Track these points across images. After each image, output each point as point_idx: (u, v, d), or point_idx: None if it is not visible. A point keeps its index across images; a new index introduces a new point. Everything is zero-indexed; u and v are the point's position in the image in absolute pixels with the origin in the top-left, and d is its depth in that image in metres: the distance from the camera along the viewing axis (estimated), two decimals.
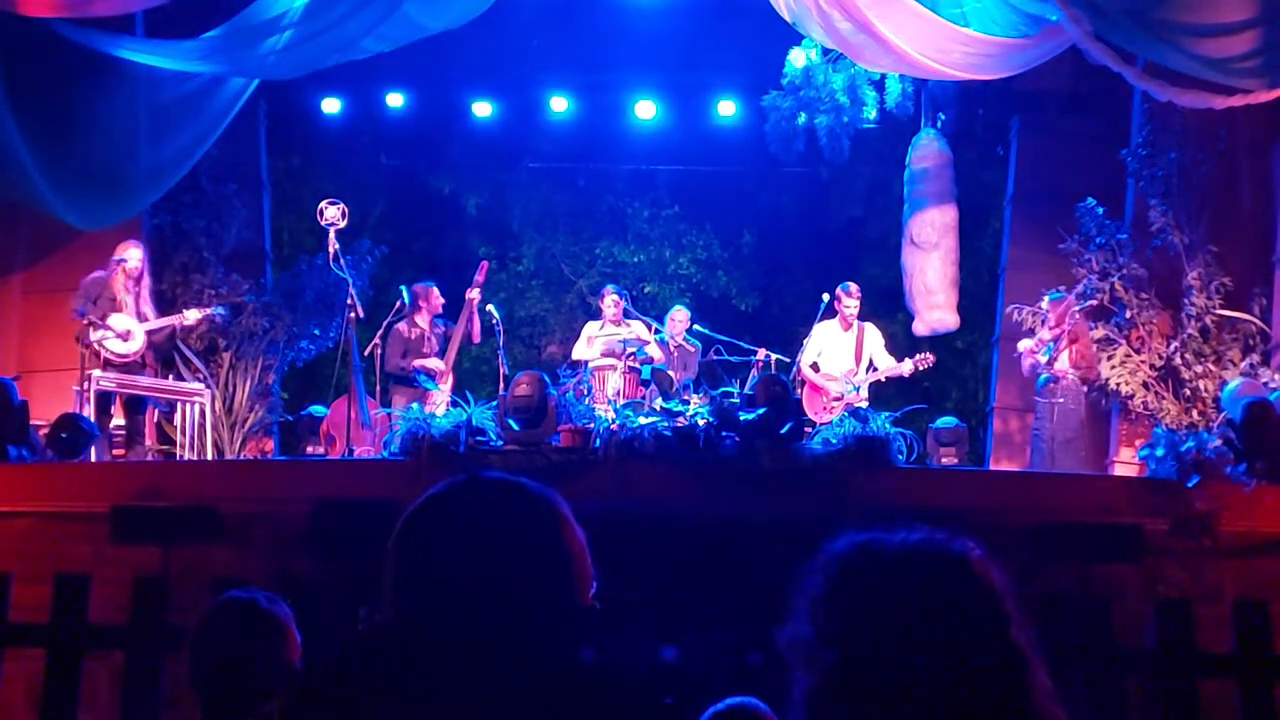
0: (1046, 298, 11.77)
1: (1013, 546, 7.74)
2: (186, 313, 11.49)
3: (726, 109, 15.21)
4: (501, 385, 10.47)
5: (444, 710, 1.92)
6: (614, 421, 8.82)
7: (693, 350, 12.27)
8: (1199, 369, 11.64)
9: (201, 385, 11.59)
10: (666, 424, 8.77)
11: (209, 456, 11.24)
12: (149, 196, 11.92)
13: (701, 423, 8.75)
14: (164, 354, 11.70)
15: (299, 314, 12.99)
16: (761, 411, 8.68)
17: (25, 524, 8.33)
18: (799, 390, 11.54)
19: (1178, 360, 11.72)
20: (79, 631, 7.94)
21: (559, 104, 15.20)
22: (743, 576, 7.60)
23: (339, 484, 8.79)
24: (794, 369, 11.87)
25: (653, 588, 7.54)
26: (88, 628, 7.96)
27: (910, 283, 13.88)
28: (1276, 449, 8.79)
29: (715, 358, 11.92)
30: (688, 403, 9.38)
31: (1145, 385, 11.86)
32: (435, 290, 12.06)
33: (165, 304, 11.88)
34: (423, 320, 11.88)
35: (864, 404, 11.26)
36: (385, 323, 11.65)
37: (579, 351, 12.11)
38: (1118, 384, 11.91)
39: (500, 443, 8.74)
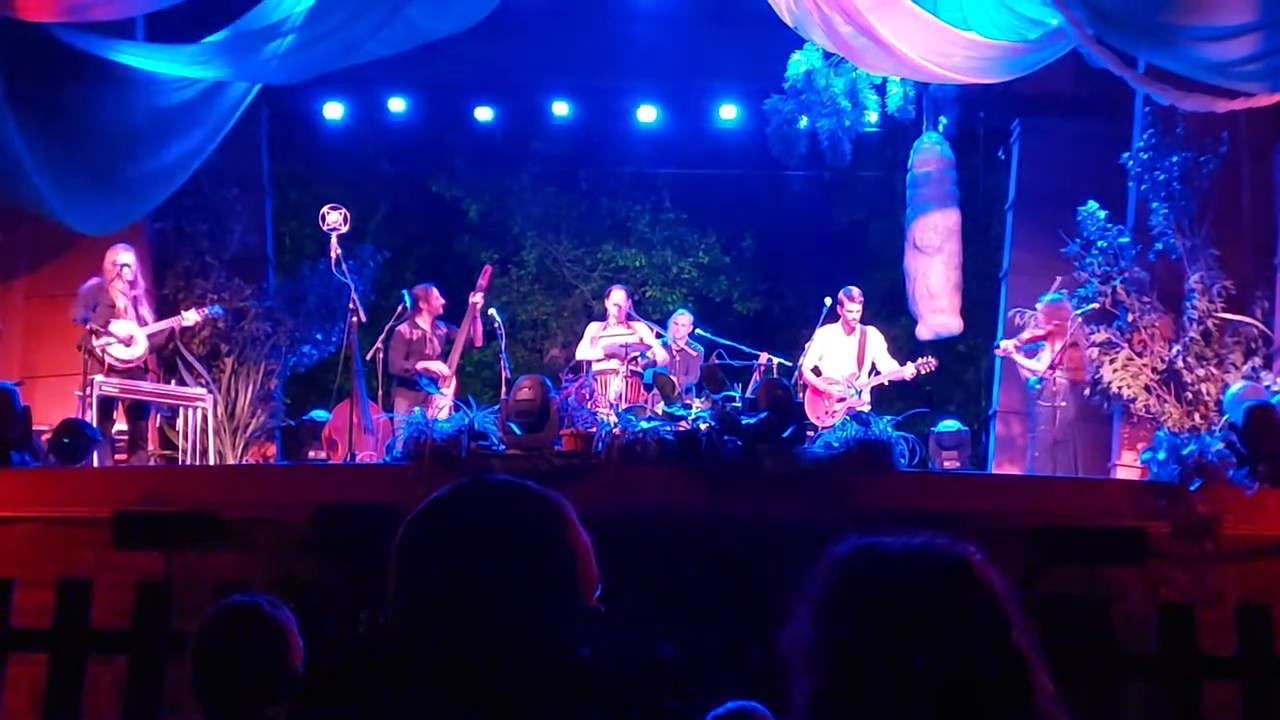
0: (1042, 298, 11.81)
1: (1015, 550, 7.75)
2: (185, 314, 11.49)
3: (728, 113, 15.21)
4: (503, 389, 10.46)
5: (449, 713, 1.92)
6: (616, 426, 8.82)
7: (695, 354, 12.26)
8: (1201, 372, 11.63)
9: (203, 390, 11.59)
10: (668, 428, 8.77)
11: (211, 461, 11.24)
12: (151, 201, 11.92)
13: (703, 427, 8.75)
14: (165, 358, 11.69)
15: (301, 319, 12.99)
16: (763, 415, 8.68)
17: (28, 529, 8.34)
18: (801, 394, 11.53)
19: (1180, 364, 11.72)
20: (82, 636, 7.96)
21: (560, 108, 15.20)
22: (745, 580, 7.60)
23: (341, 489, 8.79)
24: (796, 373, 11.86)
25: (655, 591, 7.54)
26: (90, 633, 7.98)
27: (913, 287, 13.87)
28: (1278, 452, 8.79)
29: (717, 362, 11.91)
30: (689, 407, 9.38)
31: (1147, 389, 11.85)
32: (435, 291, 12.07)
33: (167, 308, 11.89)
34: (424, 322, 11.88)
35: (866, 408, 11.25)
36: (387, 327, 11.65)
37: (582, 351, 12.11)
38: (1119, 387, 11.90)
39: (502, 447, 8.74)
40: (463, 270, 14.99)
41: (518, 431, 8.71)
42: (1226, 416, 10.30)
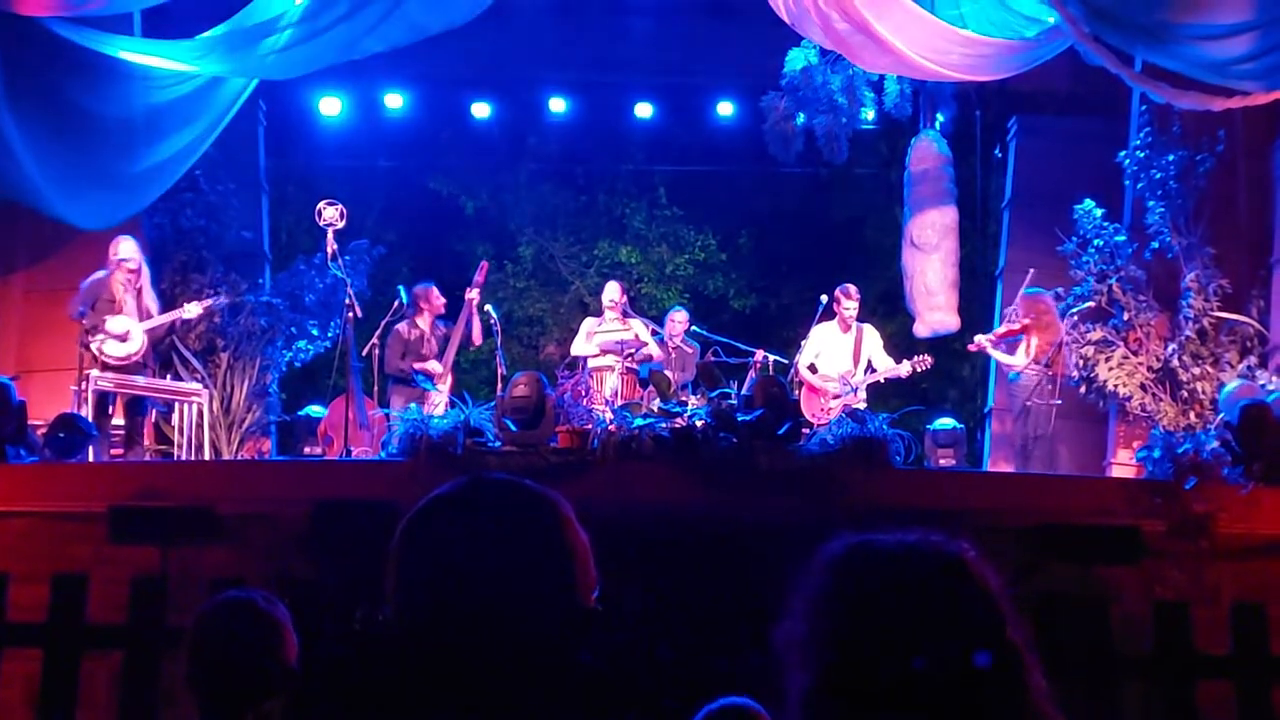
0: (1021, 293, 11.85)
1: (1010, 548, 7.76)
2: (187, 306, 11.47)
3: (725, 109, 15.22)
4: (499, 386, 10.46)
5: (445, 711, 1.92)
6: (612, 422, 8.81)
7: (691, 351, 12.26)
8: (1196, 371, 11.64)
9: (199, 385, 11.58)
10: (664, 425, 8.77)
11: (206, 457, 11.23)
12: (148, 196, 11.91)
13: (699, 424, 8.75)
14: (162, 353, 11.68)
15: (297, 314, 12.98)
16: (759, 413, 8.68)
17: (23, 524, 8.33)
18: (796, 391, 11.54)
19: (1175, 362, 11.73)
20: (77, 631, 7.96)
21: (557, 104, 15.21)
22: (740, 577, 7.60)
23: (336, 485, 8.78)
24: (791, 370, 11.87)
25: (650, 588, 7.55)
26: (86, 628, 7.97)
27: (910, 284, 13.89)
28: (1274, 451, 8.80)
29: (713, 359, 11.92)
30: (685, 404, 9.38)
31: (1143, 387, 11.86)
32: (435, 290, 12.04)
33: (164, 304, 11.87)
34: (423, 321, 11.86)
35: (862, 405, 11.26)
36: (383, 323, 11.64)
37: (578, 347, 12.10)
38: (1115, 385, 11.91)
39: (498, 443, 8.73)
40: (459, 266, 15.00)
41: (513, 428, 8.71)
42: (1222, 415, 10.31)
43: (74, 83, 10.82)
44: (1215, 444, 8.79)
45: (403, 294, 11.84)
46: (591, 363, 11.64)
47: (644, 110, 15.24)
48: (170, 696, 7.61)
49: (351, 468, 9.70)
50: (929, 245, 13.71)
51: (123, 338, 10.81)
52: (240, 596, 3.57)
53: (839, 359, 11.96)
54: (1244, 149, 11.91)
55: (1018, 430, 11.35)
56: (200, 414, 11.27)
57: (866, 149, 14.94)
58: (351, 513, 7.94)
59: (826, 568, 1.92)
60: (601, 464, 8.54)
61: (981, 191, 14.78)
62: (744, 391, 9.37)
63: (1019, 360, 11.46)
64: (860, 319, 12.14)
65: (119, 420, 11.11)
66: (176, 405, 11.33)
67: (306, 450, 11.69)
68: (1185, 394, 11.68)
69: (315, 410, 12.00)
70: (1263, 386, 10.65)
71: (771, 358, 11.87)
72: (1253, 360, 11.51)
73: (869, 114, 13.65)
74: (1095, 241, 12.20)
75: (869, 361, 12.01)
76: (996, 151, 14.61)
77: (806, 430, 9.60)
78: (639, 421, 8.81)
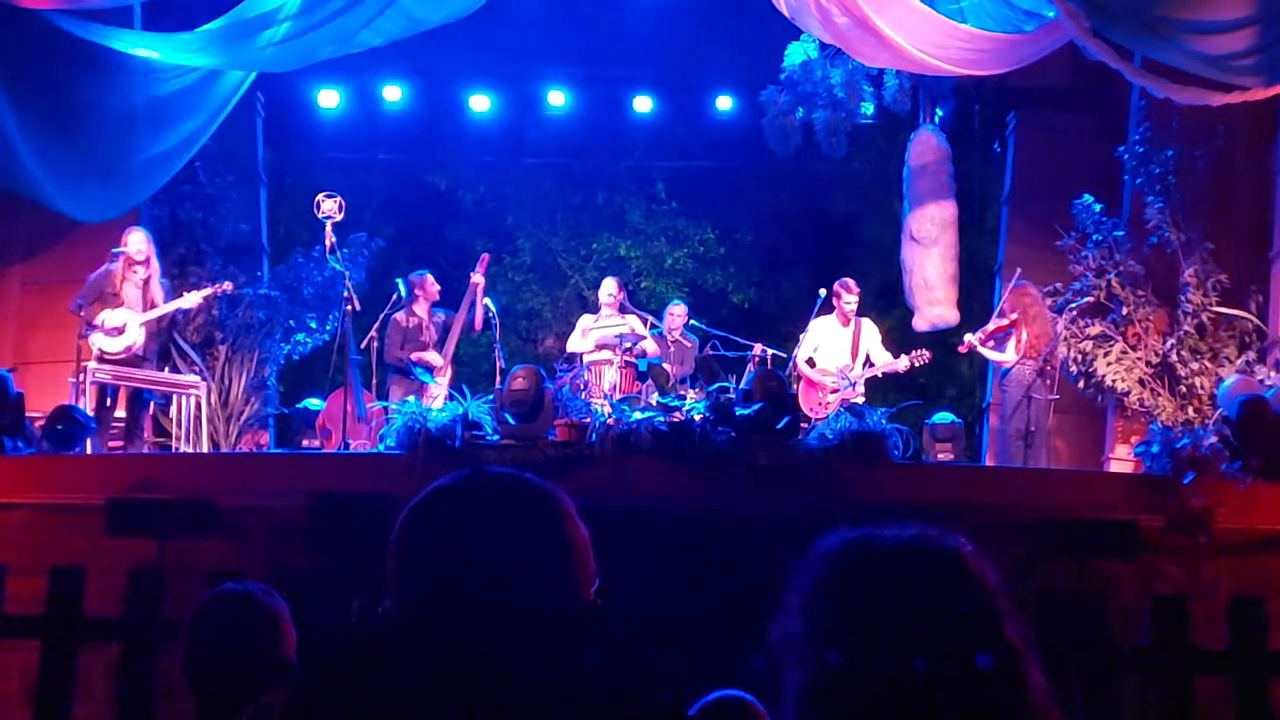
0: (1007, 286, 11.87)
1: (1008, 542, 7.75)
2: (186, 295, 11.45)
3: (724, 104, 15.23)
4: (498, 379, 10.45)
5: (446, 704, 1.92)
6: (610, 416, 8.81)
7: (689, 345, 12.26)
8: (1195, 366, 11.65)
9: (197, 378, 11.57)
10: (663, 419, 8.76)
11: (205, 449, 11.23)
12: (146, 189, 11.91)
13: (698, 418, 8.74)
14: (160, 345, 11.68)
15: (295, 307, 12.99)
16: (758, 407, 8.67)
17: (20, 516, 8.32)
18: (795, 386, 11.53)
19: (1174, 357, 11.73)
20: (74, 623, 7.95)
21: (556, 98, 15.21)
22: (738, 571, 7.60)
23: (335, 477, 8.78)
24: (790, 364, 11.86)
25: (648, 582, 7.54)
26: (83, 620, 7.96)
27: (910, 279, 13.89)
28: (1272, 446, 8.80)
29: (712, 353, 11.91)
30: (684, 398, 9.38)
31: (1141, 382, 11.87)
32: (430, 278, 12.00)
33: (170, 293, 11.85)
34: (420, 309, 11.83)
35: (860, 399, 11.26)
36: (381, 316, 11.63)
37: (574, 344, 12.09)
38: (1113, 380, 11.92)
39: (496, 437, 8.73)
40: (457, 259, 14.99)
41: (512, 421, 8.71)
42: (1220, 410, 10.30)
43: (73, 76, 10.81)
44: (1213, 439, 8.77)
45: (401, 287, 11.83)
46: (590, 357, 11.63)
47: (643, 104, 15.24)
48: (168, 689, 7.61)
49: (349, 460, 9.69)
50: (928, 240, 13.71)
51: (114, 333, 10.78)
52: (238, 589, 3.57)
53: (838, 353, 11.95)
54: (1243, 144, 11.90)
55: (1012, 425, 11.33)
56: (198, 406, 11.27)
57: (866, 143, 14.94)
58: (350, 505, 7.93)
59: (823, 563, 1.91)
60: (600, 458, 8.53)
61: (980, 186, 14.79)
62: (742, 386, 9.35)
63: (1009, 356, 11.46)
64: (859, 313, 12.13)
65: (120, 413, 11.11)
66: (174, 398, 11.34)
67: (305, 443, 11.69)
68: (1184, 389, 11.69)
69: (313, 403, 12.00)
70: (1261, 381, 10.64)
71: (770, 352, 11.87)
72: (1251, 355, 11.52)
73: (868, 108, 13.65)
74: (1094, 236, 12.21)
75: (867, 356, 12.01)
76: (996, 146, 14.61)
77: (805, 425, 9.60)
78: (637, 415, 8.80)
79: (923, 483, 8.96)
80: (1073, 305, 12.16)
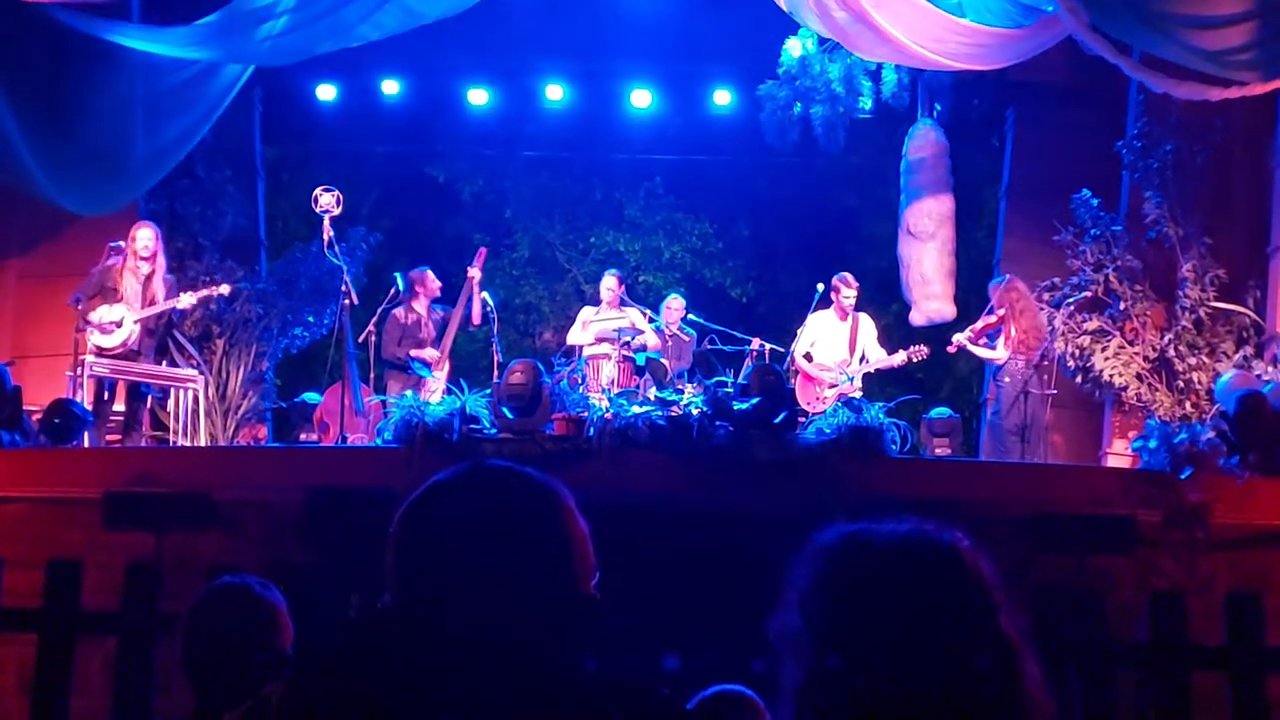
0: (990, 284, 11.90)
1: (1006, 537, 7.76)
2: (182, 295, 11.46)
3: (722, 98, 15.23)
4: (496, 373, 10.45)
5: (445, 698, 1.92)
6: (608, 410, 8.81)
7: (687, 339, 12.26)
8: (1192, 361, 11.65)
9: (195, 372, 11.56)
10: (660, 413, 8.76)
11: (202, 443, 11.23)
12: (145, 182, 11.90)
13: (695, 412, 8.74)
14: (158, 339, 11.68)
15: (293, 301, 12.99)
16: (755, 401, 8.68)
17: (18, 509, 8.32)
18: (793, 380, 11.53)
19: (1171, 352, 11.73)
20: (71, 617, 7.95)
21: (554, 92, 15.20)
22: (735, 565, 7.60)
23: (332, 471, 8.78)
24: (788, 359, 11.85)
25: (646, 576, 7.54)
26: (80, 613, 7.97)
27: (907, 273, 13.89)
28: (1269, 441, 8.81)
29: (709, 347, 11.91)
30: (682, 392, 9.38)
31: (1139, 377, 11.87)
32: (430, 274, 12.00)
33: (171, 290, 11.83)
34: (419, 305, 11.83)
35: (858, 394, 11.26)
36: (380, 310, 11.63)
37: (574, 336, 12.09)
38: (1111, 375, 11.92)
39: (494, 431, 8.73)
40: (455, 253, 14.99)
41: (510, 415, 8.70)
42: (1218, 405, 10.31)
43: (71, 69, 10.80)
44: (1211, 434, 8.78)
45: (399, 281, 11.82)
46: (588, 351, 11.63)
47: (641, 98, 15.24)
48: (165, 683, 7.62)
49: (347, 454, 9.70)
50: (925, 234, 13.71)
51: (109, 328, 10.77)
52: (235, 583, 3.57)
53: (835, 348, 11.95)
54: (1241, 139, 11.91)
55: (1009, 422, 11.34)
56: (196, 400, 11.26)
57: (864, 138, 14.92)
58: (347, 499, 7.94)
59: (820, 557, 1.91)
60: (598, 452, 8.53)
61: (979, 181, 14.78)
62: (740, 380, 9.35)
63: (1000, 353, 11.47)
64: (857, 308, 12.13)
65: (119, 406, 11.11)
66: (172, 391, 11.32)
67: (302, 437, 11.70)
68: (1181, 384, 11.70)
69: (311, 397, 12.01)
70: (1259, 376, 10.65)
71: (768, 346, 11.87)
72: (1249, 350, 11.52)
73: (867, 103, 13.63)
74: (1092, 231, 12.21)
75: (864, 351, 12.01)
76: (994, 141, 14.62)
77: (802, 419, 9.60)
78: (635, 410, 8.80)
79: (920, 477, 8.97)
80: (1070, 300, 12.16)
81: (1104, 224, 12.21)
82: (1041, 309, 12.13)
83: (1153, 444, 8.83)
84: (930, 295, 13.69)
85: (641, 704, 2.03)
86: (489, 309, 11.68)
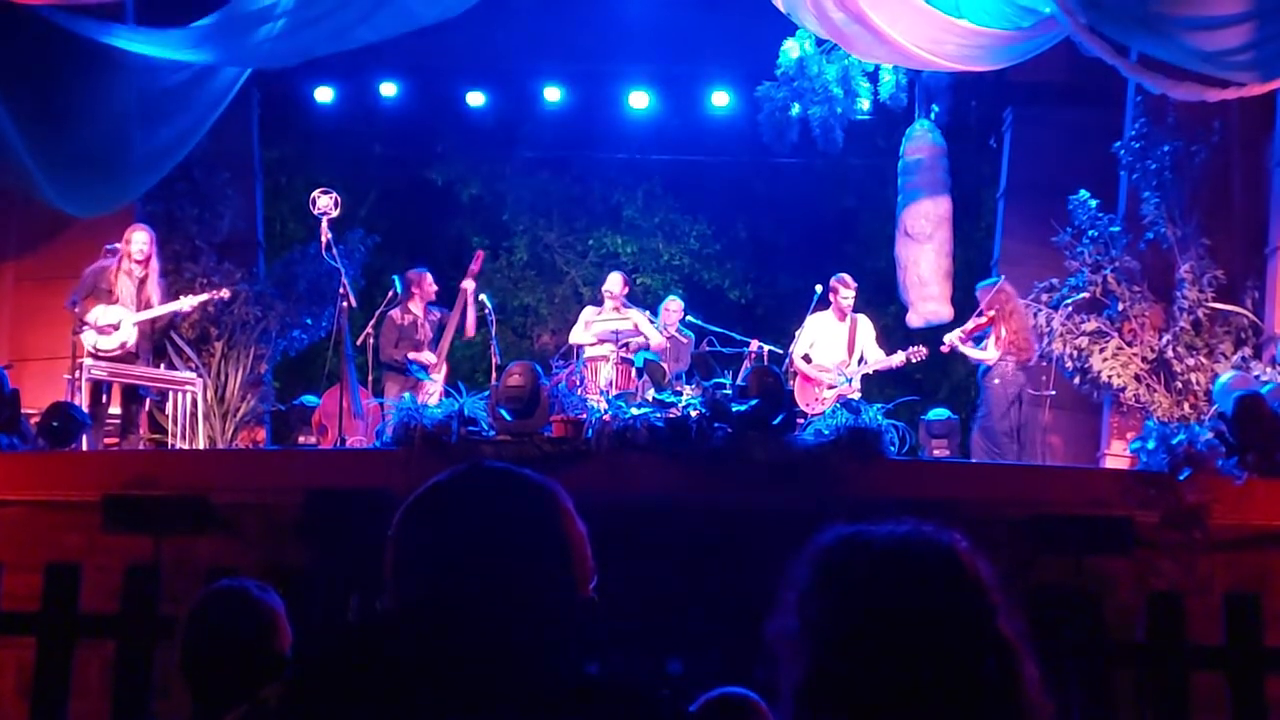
0: (978, 287, 11.91)
1: (1004, 538, 7.76)
2: (184, 299, 11.46)
3: (720, 99, 15.22)
4: (494, 375, 10.45)
5: (444, 700, 1.92)
6: (606, 412, 8.81)
7: (686, 341, 12.26)
8: (1191, 362, 11.65)
9: (193, 374, 11.57)
10: (659, 415, 8.76)
11: (201, 446, 11.22)
12: (142, 184, 11.89)
13: (694, 414, 8.75)
14: (156, 342, 11.68)
15: (291, 303, 12.98)
16: (754, 403, 8.68)
17: (16, 513, 8.32)
18: (791, 381, 11.52)
19: (1169, 353, 11.73)
20: (70, 620, 7.94)
21: (552, 94, 15.20)
22: (734, 567, 7.60)
23: (331, 473, 8.79)
24: (786, 360, 11.85)
25: (643, 578, 7.55)
26: (79, 616, 7.96)
27: (904, 275, 13.89)
28: (1268, 442, 8.81)
29: (708, 349, 11.91)
30: (680, 394, 9.38)
31: (1137, 378, 11.87)
32: (428, 276, 12.01)
33: (166, 293, 11.82)
34: (416, 307, 11.83)
35: (856, 395, 11.26)
36: (378, 312, 11.63)
37: (576, 335, 12.09)
38: (1109, 376, 11.92)
39: (492, 433, 8.73)
40: (454, 255, 14.99)
41: (508, 417, 8.70)
42: (1216, 406, 10.31)
43: (68, 71, 10.79)
44: (1209, 435, 8.78)
45: (398, 284, 11.82)
46: (587, 352, 11.63)
47: (639, 99, 15.23)
48: (164, 686, 7.61)
49: (346, 456, 9.70)
50: (923, 235, 13.71)
51: (106, 330, 10.77)
52: (234, 585, 3.57)
53: (834, 349, 11.95)
54: (1239, 140, 11.91)
55: (1002, 424, 11.35)
56: (194, 403, 11.26)
57: (862, 139, 14.93)
58: (346, 501, 7.94)
59: (818, 559, 1.92)
60: (596, 454, 8.54)
61: (976, 182, 14.79)
62: (739, 381, 9.35)
63: (991, 354, 11.48)
64: (855, 309, 12.13)
65: (115, 409, 11.10)
66: (171, 394, 11.32)
67: (301, 439, 11.69)
68: (1179, 385, 11.70)
69: (309, 399, 11.99)
70: (1257, 377, 10.66)
71: (766, 348, 11.86)
72: (1247, 351, 11.52)
73: (864, 104, 13.63)
74: (1090, 232, 12.21)
75: (863, 352, 12.01)
76: (991, 142, 14.62)
77: (801, 420, 9.60)
78: (633, 411, 8.81)
79: (918, 479, 8.97)
80: (1068, 301, 12.16)
81: (1102, 225, 12.21)
82: (1039, 310, 12.16)
83: (1151, 445, 8.83)
84: (927, 297, 13.69)
85: (642, 706, 2.03)
86: (487, 311, 11.68)
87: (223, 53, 11.30)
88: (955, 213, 13.98)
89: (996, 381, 11.41)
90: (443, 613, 1.96)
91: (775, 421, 8.69)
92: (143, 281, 11.07)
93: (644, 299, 14.97)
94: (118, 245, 11.04)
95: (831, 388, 11.67)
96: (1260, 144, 11.82)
